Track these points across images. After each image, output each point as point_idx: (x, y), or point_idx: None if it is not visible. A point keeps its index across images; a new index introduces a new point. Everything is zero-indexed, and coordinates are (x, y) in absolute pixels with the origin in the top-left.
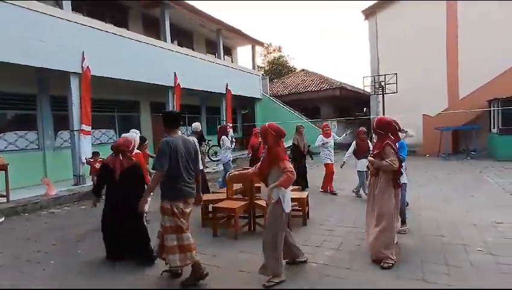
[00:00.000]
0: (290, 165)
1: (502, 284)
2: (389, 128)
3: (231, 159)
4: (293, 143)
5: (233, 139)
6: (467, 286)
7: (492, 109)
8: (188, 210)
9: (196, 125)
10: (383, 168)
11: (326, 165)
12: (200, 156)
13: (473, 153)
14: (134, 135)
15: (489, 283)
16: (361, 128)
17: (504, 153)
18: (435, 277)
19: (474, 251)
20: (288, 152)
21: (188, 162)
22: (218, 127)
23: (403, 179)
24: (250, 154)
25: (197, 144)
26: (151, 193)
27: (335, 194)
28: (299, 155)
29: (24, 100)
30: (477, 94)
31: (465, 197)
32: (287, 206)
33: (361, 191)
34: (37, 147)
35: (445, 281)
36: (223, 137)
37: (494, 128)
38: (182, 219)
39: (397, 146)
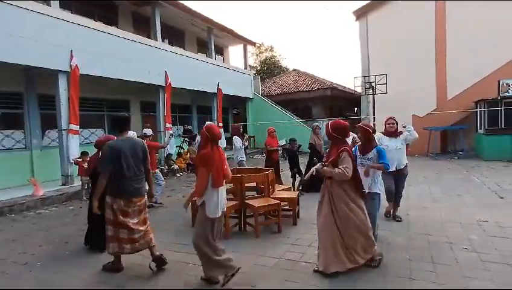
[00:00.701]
0: (201, 171)
1: (488, 285)
2: (346, 133)
3: (243, 158)
4: (310, 143)
5: (246, 139)
6: (457, 285)
7: (478, 109)
8: (130, 209)
9: (209, 124)
10: (336, 177)
11: None
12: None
13: (460, 153)
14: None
15: (482, 283)
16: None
17: (490, 153)
18: (421, 275)
19: (460, 249)
20: (280, 152)
21: (133, 162)
22: (232, 126)
23: (375, 189)
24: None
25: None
26: (99, 193)
27: None
28: (316, 156)
29: (10, 99)
30: (465, 95)
31: (452, 197)
32: (210, 211)
33: None
34: (23, 146)
35: (431, 278)
36: (234, 137)
37: (480, 128)
38: (121, 216)
39: (375, 153)
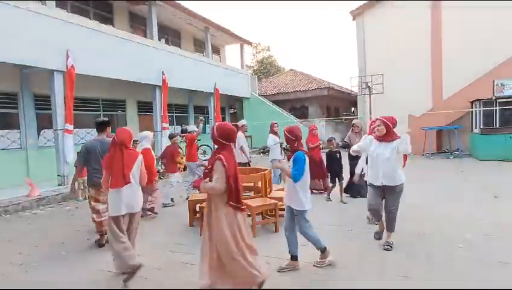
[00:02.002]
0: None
1: (482, 283)
2: (231, 138)
3: (279, 157)
4: (345, 142)
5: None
6: (452, 284)
7: (474, 109)
8: (100, 197)
9: (242, 121)
10: (209, 191)
11: None
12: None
13: (455, 152)
14: (146, 133)
15: (477, 281)
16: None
17: (485, 153)
18: (417, 273)
19: (455, 247)
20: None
21: (101, 158)
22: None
23: (301, 205)
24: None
25: (240, 138)
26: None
27: None
28: (351, 158)
29: (5, 98)
30: (460, 95)
31: (448, 195)
32: (110, 210)
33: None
34: (19, 146)
35: (427, 277)
36: (269, 135)
37: (475, 128)
38: (92, 202)
39: (291, 162)
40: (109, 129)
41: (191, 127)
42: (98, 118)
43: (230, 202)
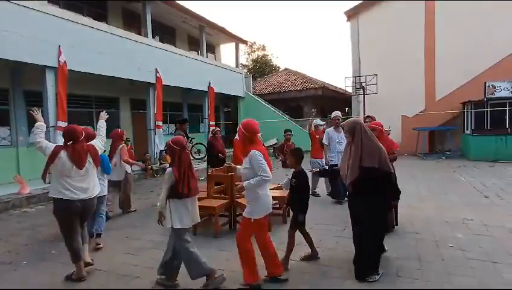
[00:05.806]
0: None
1: (471, 282)
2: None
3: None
4: None
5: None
6: (442, 282)
7: (465, 110)
8: None
9: (335, 113)
10: None
11: None
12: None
13: (447, 153)
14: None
15: (466, 279)
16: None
17: (476, 153)
18: (408, 272)
19: (446, 247)
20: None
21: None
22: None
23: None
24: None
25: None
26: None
27: None
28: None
29: None
30: (453, 96)
31: (439, 196)
32: None
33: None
34: (9, 143)
35: (417, 276)
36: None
37: (467, 129)
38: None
39: None
40: (186, 126)
41: (317, 121)
42: (179, 118)
43: None
